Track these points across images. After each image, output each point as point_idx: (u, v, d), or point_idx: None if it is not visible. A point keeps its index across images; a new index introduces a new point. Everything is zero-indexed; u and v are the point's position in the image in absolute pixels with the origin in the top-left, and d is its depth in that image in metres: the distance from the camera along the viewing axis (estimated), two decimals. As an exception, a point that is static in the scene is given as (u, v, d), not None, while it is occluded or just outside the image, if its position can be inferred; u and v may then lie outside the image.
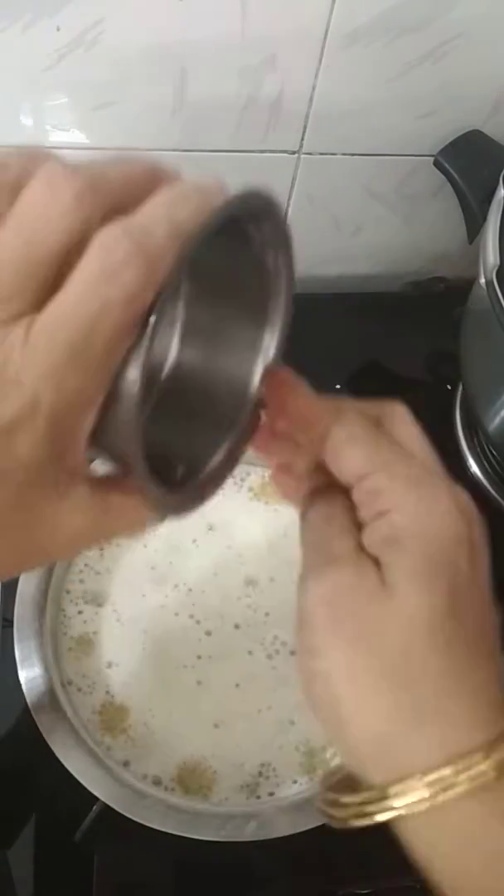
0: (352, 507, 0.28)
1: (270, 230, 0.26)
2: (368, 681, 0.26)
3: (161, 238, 0.21)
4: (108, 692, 0.50)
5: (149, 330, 0.21)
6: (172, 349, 0.30)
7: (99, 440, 0.23)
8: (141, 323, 0.21)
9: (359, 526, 0.28)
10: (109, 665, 0.51)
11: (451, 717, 0.26)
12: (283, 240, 0.27)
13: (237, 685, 0.51)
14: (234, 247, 0.27)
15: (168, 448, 0.29)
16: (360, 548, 0.27)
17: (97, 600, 0.53)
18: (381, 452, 0.28)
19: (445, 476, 0.29)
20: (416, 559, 0.26)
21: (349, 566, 0.27)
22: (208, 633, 0.52)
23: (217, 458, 0.29)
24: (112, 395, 0.21)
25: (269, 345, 0.29)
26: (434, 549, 0.26)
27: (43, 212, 0.20)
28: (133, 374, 0.21)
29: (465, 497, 0.28)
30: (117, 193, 0.22)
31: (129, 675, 0.51)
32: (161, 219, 0.21)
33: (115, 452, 0.24)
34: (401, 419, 0.30)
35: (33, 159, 0.21)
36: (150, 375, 0.30)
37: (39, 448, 0.21)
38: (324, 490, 0.29)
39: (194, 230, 0.21)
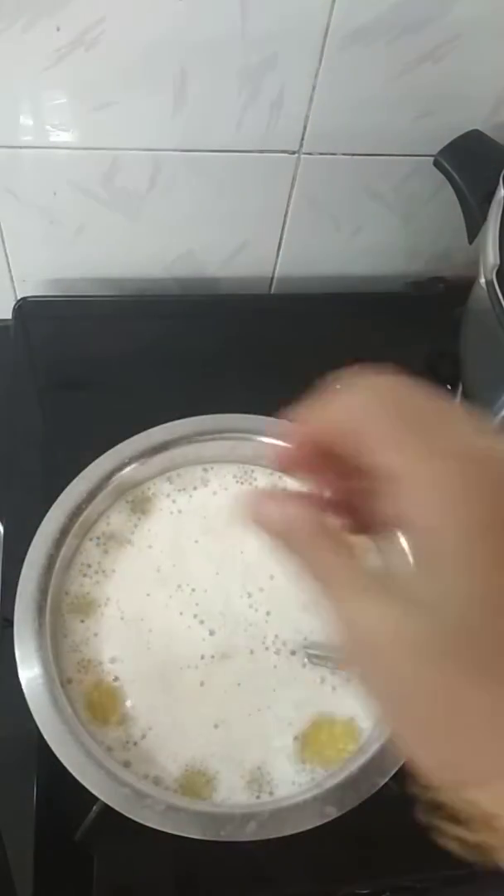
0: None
1: None
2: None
3: None
4: (109, 693, 0.50)
5: None
6: None
7: None
8: None
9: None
10: (111, 664, 0.51)
11: None
12: None
13: (238, 684, 0.51)
14: None
15: None
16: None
17: (99, 600, 0.53)
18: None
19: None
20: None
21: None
22: (211, 633, 0.52)
23: None
24: None
25: None
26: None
27: None
28: None
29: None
30: None
31: (131, 675, 0.51)
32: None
33: None
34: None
35: None
36: None
37: None
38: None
39: None
